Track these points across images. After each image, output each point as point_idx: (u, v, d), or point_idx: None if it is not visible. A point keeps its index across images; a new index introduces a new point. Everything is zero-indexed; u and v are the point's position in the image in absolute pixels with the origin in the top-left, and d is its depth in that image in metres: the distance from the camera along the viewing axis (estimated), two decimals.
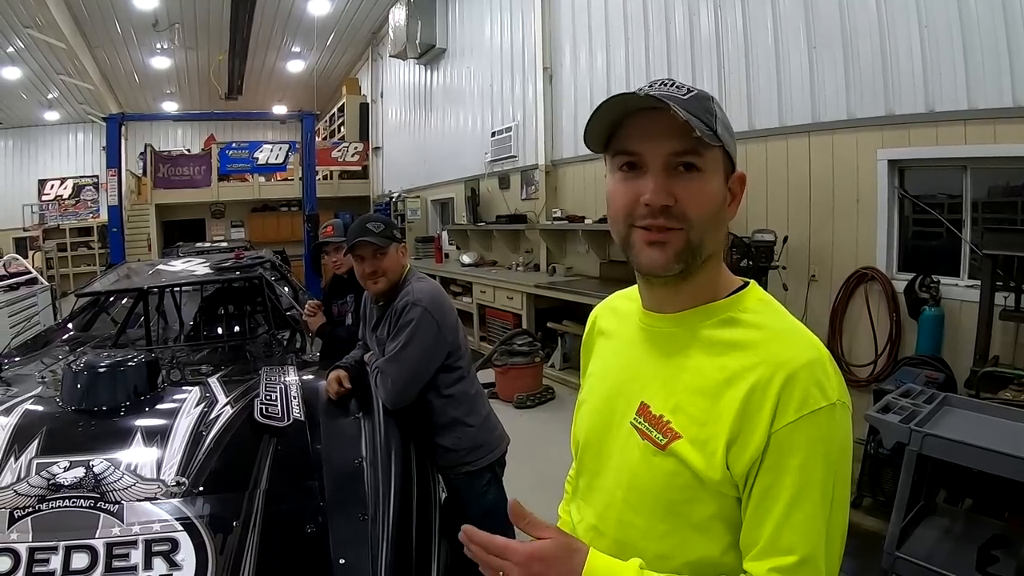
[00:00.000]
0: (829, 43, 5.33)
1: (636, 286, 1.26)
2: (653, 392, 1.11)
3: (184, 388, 3.10)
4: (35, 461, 2.40)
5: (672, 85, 1.05)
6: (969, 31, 4.35)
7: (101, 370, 2.93)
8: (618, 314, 1.31)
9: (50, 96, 18.53)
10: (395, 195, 15.16)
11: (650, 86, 1.05)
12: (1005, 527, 3.24)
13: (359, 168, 18.63)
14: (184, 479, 2.35)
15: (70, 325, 5.34)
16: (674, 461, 1.04)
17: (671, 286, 1.11)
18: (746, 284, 1.15)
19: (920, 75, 4.67)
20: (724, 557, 1.04)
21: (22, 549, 2.01)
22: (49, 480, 2.28)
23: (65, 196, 20.86)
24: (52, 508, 2.18)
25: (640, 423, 1.11)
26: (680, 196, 1.03)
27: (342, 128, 19.44)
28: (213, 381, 3.14)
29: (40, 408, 2.87)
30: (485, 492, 3.04)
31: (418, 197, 14.44)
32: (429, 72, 13.77)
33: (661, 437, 1.06)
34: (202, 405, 2.85)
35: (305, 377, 3.28)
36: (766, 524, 0.97)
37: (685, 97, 1.02)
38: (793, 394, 0.97)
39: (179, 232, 16.89)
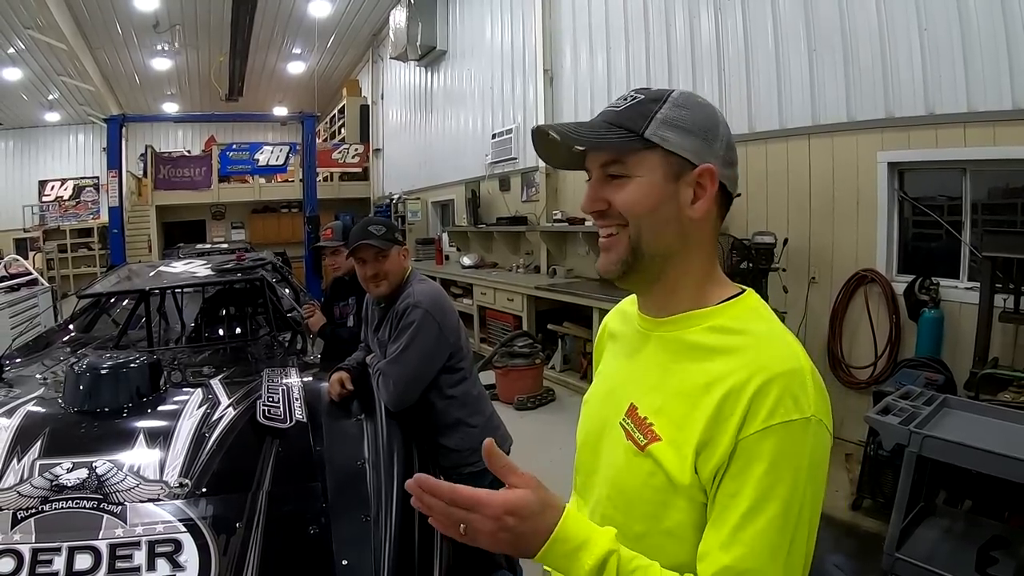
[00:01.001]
0: (829, 46, 5.34)
1: None
2: (642, 394, 1.12)
3: (186, 390, 3.10)
4: (38, 462, 2.41)
5: (622, 98, 1.13)
6: (969, 34, 4.36)
7: (104, 371, 2.95)
8: (625, 317, 1.33)
9: (51, 97, 18.54)
10: (395, 197, 15.17)
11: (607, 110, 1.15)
12: (1005, 528, 3.25)
13: (359, 170, 18.62)
14: (187, 480, 2.36)
15: (71, 326, 5.35)
16: (651, 463, 1.04)
17: (645, 293, 1.18)
18: (742, 292, 1.15)
19: (920, 78, 4.68)
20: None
21: (25, 550, 2.02)
22: (52, 481, 2.29)
23: (65, 197, 20.87)
24: (55, 509, 2.18)
25: (627, 424, 1.12)
26: (611, 199, 1.10)
27: (343, 130, 19.45)
28: (215, 383, 3.15)
29: (42, 409, 2.88)
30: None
31: (418, 199, 14.45)
32: (429, 74, 13.78)
33: (642, 438, 1.07)
34: (204, 407, 2.86)
35: (307, 379, 3.29)
36: (721, 531, 0.95)
37: (620, 109, 1.11)
38: (765, 402, 0.95)
39: (179, 233, 16.86)
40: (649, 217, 1.08)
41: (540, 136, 1.14)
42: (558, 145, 1.12)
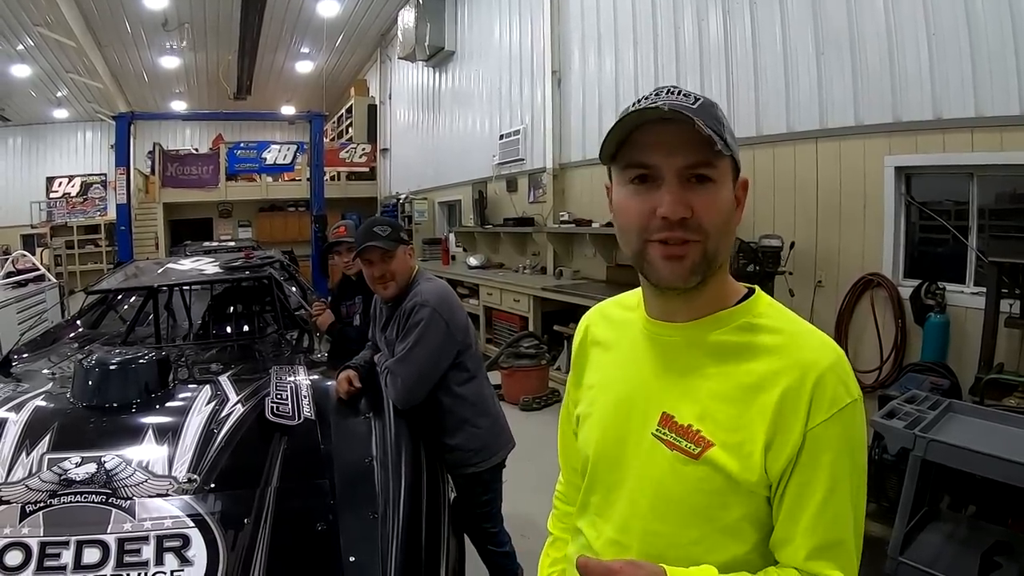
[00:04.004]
0: (837, 49, 5.33)
1: (628, 293, 1.27)
2: (675, 402, 1.11)
3: (195, 386, 3.12)
4: (47, 456, 2.42)
5: (679, 93, 1.04)
6: (977, 39, 4.35)
7: (112, 367, 2.95)
8: (614, 323, 1.29)
9: (59, 94, 18.60)
10: (402, 197, 15.20)
11: (656, 94, 1.05)
12: (1008, 533, 3.24)
13: (367, 169, 18.65)
14: (195, 476, 2.37)
15: (79, 322, 5.37)
16: (707, 468, 1.06)
17: (685, 297, 1.11)
18: (752, 291, 1.16)
19: (928, 82, 4.67)
20: (750, 555, 1.07)
21: (34, 544, 2.03)
22: (61, 475, 2.30)
23: (73, 194, 20.98)
24: (64, 503, 2.20)
25: (665, 434, 1.10)
26: (696, 207, 1.02)
27: (350, 129, 19.46)
28: (224, 379, 3.16)
29: (51, 404, 2.89)
30: (482, 492, 3.09)
31: (425, 199, 14.46)
32: (438, 74, 13.80)
33: (693, 447, 1.07)
34: (213, 403, 2.87)
35: (315, 377, 3.30)
36: (802, 519, 1.02)
37: (695, 106, 1.01)
38: (825, 394, 1.01)
39: (186, 231, 16.88)
40: (725, 226, 1.07)
41: (630, 120, 1.03)
42: (619, 134, 1.05)
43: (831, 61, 5.41)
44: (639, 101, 1.05)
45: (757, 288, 1.17)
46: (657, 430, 1.12)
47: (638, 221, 1.06)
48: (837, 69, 5.36)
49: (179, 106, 20.90)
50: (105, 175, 20.51)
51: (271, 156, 17.27)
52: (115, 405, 2.83)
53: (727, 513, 1.06)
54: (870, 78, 5.09)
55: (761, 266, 5.47)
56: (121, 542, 2.07)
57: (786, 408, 1.02)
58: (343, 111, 20.41)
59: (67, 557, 2.01)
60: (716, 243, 1.05)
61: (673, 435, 1.10)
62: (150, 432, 2.63)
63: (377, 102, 18.50)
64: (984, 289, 4.29)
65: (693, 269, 1.05)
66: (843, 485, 1.02)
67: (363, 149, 18.31)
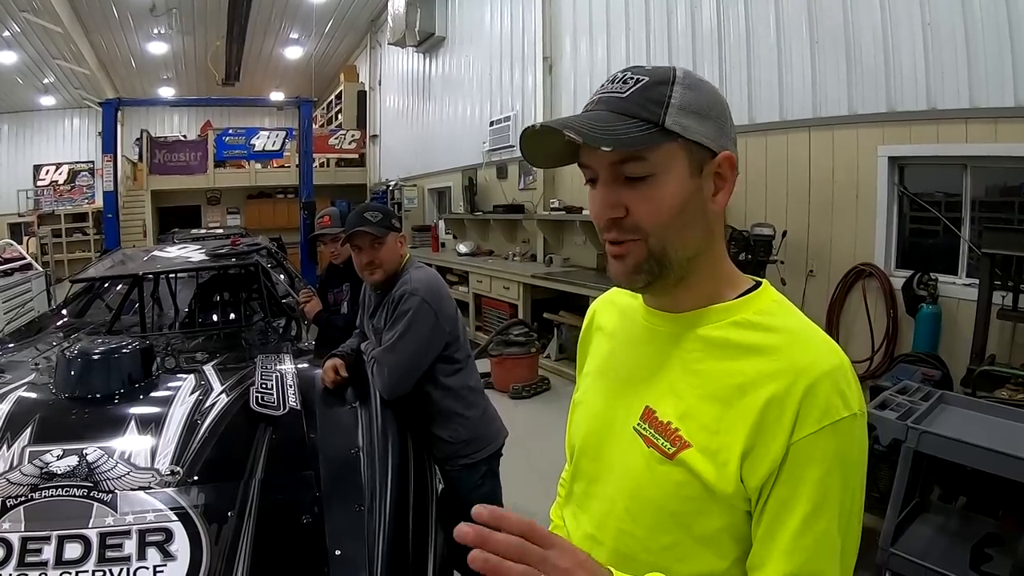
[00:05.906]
0: (832, 38, 5.31)
1: None
2: (659, 397, 1.05)
3: (179, 376, 3.08)
4: (28, 449, 2.38)
5: (620, 80, 1.00)
6: (972, 30, 4.33)
7: (95, 357, 2.91)
8: (619, 310, 1.24)
9: (46, 81, 18.42)
10: (392, 183, 15.13)
11: (602, 85, 1.03)
12: (999, 525, 3.25)
13: (356, 156, 18.61)
14: (179, 468, 2.33)
15: (64, 311, 5.32)
16: (682, 471, 0.98)
17: (663, 292, 1.06)
18: (758, 284, 1.08)
19: (922, 72, 4.65)
20: (731, 571, 0.98)
21: (14, 539, 1.99)
22: (42, 468, 2.25)
23: (60, 182, 20.75)
24: (45, 497, 2.15)
25: (645, 429, 1.04)
26: (630, 206, 0.98)
27: (340, 115, 19.40)
28: (208, 369, 3.13)
29: (33, 395, 2.85)
30: (480, 484, 3.02)
31: (415, 186, 14.40)
32: (428, 60, 13.72)
33: (669, 445, 1.00)
34: (197, 393, 2.83)
35: (301, 366, 3.26)
36: (780, 538, 0.91)
37: (625, 95, 0.98)
38: (815, 404, 0.90)
39: (174, 218, 16.80)
40: (677, 220, 0.98)
41: (533, 136, 1.01)
42: (546, 142, 1.01)
43: (826, 50, 5.38)
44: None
45: (764, 282, 1.09)
46: (638, 424, 1.06)
47: (594, 222, 1.05)
48: (831, 58, 5.34)
49: (167, 92, 20.74)
50: (93, 163, 20.27)
51: (260, 143, 17.22)
52: (98, 396, 2.79)
53: (704, 522, 0.98)
54: (864, 67, 5.07)
55: (753, 255, 5.46)
56: (103, 537, 2.03)
57: (770, 415, 0.92)
58: (332, 97, 20.35)
59: (48, 552, 1.96)
60: (661, 241, 0.99)
61: (652, 431, 1.03)
62: (133, 423, 2.59)
63: (367, 88, 18.43)
64: (977, 281, 4.30)
65: (637, 269, 1.01)
66: (830, 508, 0.90)
67: (352, 136, 18.25)
